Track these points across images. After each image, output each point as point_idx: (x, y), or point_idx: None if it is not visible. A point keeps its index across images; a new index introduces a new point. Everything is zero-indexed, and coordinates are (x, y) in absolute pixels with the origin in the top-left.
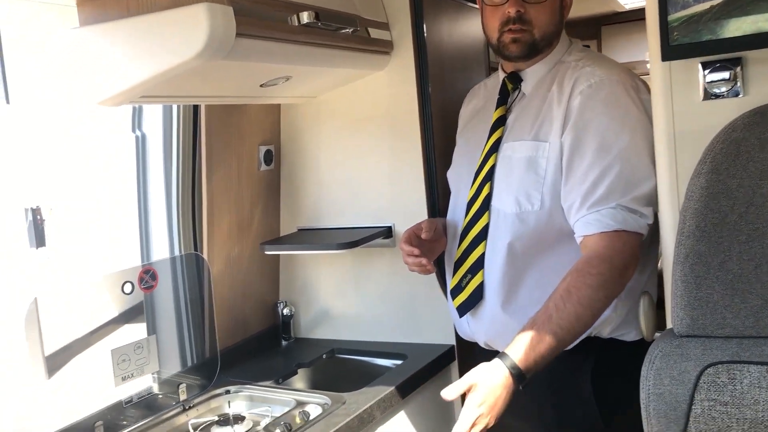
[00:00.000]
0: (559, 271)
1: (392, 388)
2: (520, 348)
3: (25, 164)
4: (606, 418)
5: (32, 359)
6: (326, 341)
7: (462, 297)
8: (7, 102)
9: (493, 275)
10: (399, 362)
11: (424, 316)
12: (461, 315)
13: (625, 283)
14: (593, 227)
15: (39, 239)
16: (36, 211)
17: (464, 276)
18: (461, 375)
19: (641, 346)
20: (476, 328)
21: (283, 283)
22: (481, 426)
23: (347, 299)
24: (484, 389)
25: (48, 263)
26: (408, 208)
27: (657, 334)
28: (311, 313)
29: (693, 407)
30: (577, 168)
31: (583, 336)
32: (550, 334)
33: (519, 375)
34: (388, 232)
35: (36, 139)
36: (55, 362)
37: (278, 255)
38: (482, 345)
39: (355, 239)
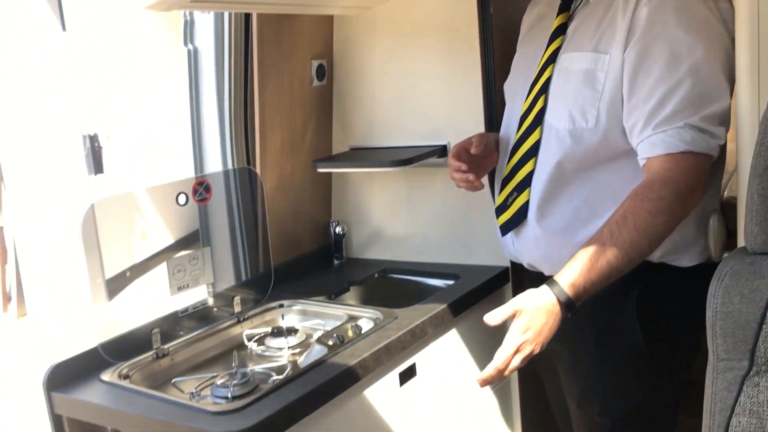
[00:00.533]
0: (608, 193)
1: (444, 305)
2: (570, 274)
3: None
4: (651, 344)
5: (89, 267)
6: (378, 261)
7: (506, 216)
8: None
9: (537, 194)
10: (451, 282)
11: (477, 237)
12: (504, 234)
13: (689, 209)
14: (658, 148)
15: (97, 166)
16: (93, 139)
17: (510, 194)
18: (514, 297)
19: (694, 273)
20: (520, 249)
21: (336, 203)
22: (525, 353)
23: (400, 219)
24: (529, 315)
25: (106, 189)
26: (464, 126)
27: (725, 255)
28: (363, 233)
29: (764, 326)
30: (642, 84)
31: None
32: (603, 261)
33: (568, 302)
34: (442, 151)
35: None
36: (112, 271)
37: (330, 174)
38: (526, 266)
39: (408, 157)
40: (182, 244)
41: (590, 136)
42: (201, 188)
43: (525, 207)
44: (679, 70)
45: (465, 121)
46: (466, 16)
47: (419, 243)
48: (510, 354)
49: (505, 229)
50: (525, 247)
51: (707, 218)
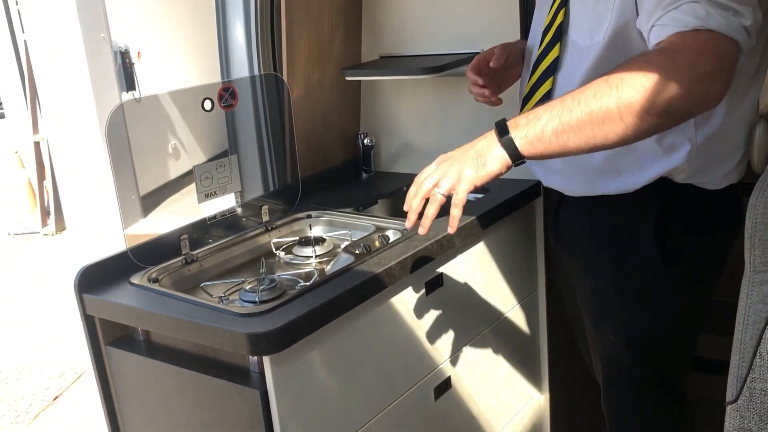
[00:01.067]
0: None
1: (473, 218)
2: (519, 115)
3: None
4: (668, 264)
5: (116, 169)
6: (407, 175)
7: (529, 106)
8: None
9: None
10: (480, 195)
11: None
12: None
13: (686, 102)
14: (668, 28)
15: (128, 83)
16: (125, 55)
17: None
18: (545, 212)
19: (720, 196)
20: (536, 168)
21: (364, 114)
22: (430, 177)
23: (430, 131)
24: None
25: (137, 106)
26: (499, 33)
27: None
28: (392, 146)
29: None
30: None
31: (654, 177)
32: (557, 102)
33: (502, 127)
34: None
35: None
36: (140, 175)
37: (359, 84)
38: (544, 184)
39: (439, 65)
40: (209, 151)
41: (609, 53)
42: (227, 94)
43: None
44: None
45: (499, 27)
46: None
47: None
48: (412, 190)
49: None
50: (540, 166)
51: (745, 130)
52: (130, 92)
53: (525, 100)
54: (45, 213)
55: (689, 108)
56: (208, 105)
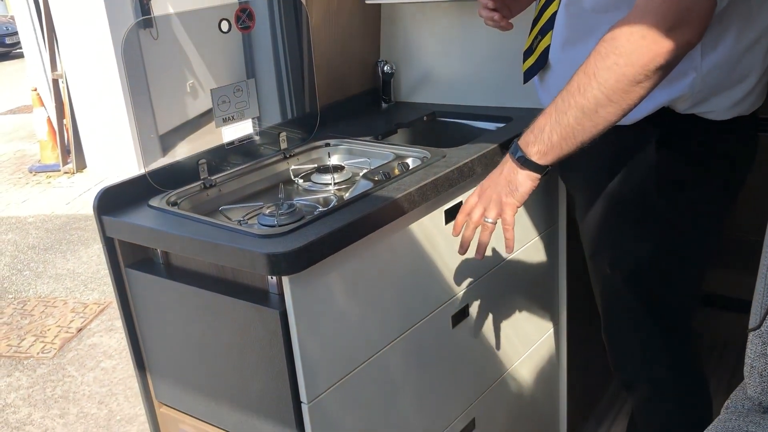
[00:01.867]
0: None
1: (495, 145)
2: (526, 131)
3: None
4: (666, 196)
5: (131, 90)
6: (427, 105)
7: (530, 60)
8: None
9: (559, 38)
10: (502, 125)
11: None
12: (525, 80)
13: (662, 59)
14: None
15: (145, 20)
16: None
17: (536, 37)
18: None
19: (724, 128)
20: (543, 96)
21: (384, 41)
22: (474, 212)
23: (451, 60)
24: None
25: (154, 43)
26: None
27: None
28: (413, 75)
29: None
30: None
31: (655, 108)
32: (551, 108)
33: (515, 149)
34: None
35: None
36: (154, 96)
37: (379, 10)
38: None
39: None
40: (225, 74)
41: None
42: (244, 15)
43: (546, 52)
44: None
45: None
46: None
47: (471, 85)
48: (460, 220)
49: (528, 74)
50: (546, 93)
51: (757, 56)
52: (147, 29)
53: (534, 23)
54: (65, 151)
55: (669, 61)
56: (225, 26)
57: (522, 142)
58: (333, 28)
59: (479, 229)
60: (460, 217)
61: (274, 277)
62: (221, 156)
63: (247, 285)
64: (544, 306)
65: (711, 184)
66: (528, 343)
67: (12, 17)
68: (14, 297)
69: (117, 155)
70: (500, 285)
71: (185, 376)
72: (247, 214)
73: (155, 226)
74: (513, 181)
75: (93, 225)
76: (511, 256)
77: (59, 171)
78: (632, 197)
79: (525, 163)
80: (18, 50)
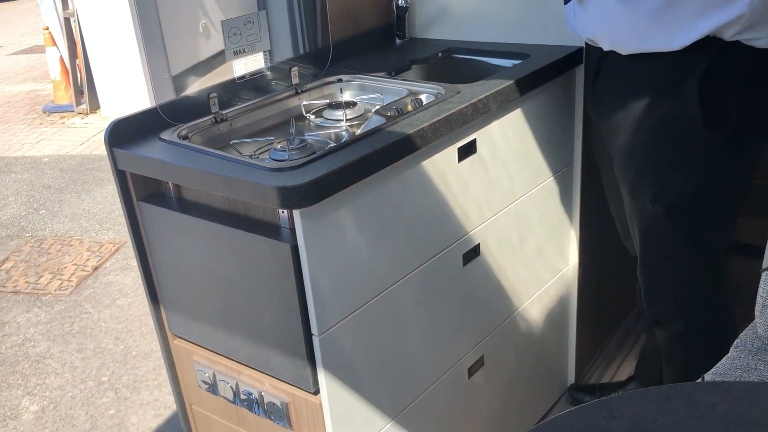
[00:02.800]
0: None
1: (511, 82)
2: None
3: None
4: (711, 129)
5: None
6: (443, 41)
7: None
8: None
9: None
10: (518, 62)
11: (552, 13)
12: (566, 1)
13: None
14: None
15: None
16: None
17: None
18: (586, 78)
19: None
20: (581, 20)
21: None
22: None
23: None
24: None
25: None
26: None
27: None
28: (428, 9)
29: None
30: None
31: (707, 32)
32: None
33: None
34: None
35: None
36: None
37: None
38: (585, 41)
39: None
40: (236, 5)
41: None
42: None
43: None
44: None
45: None
46: None
47: (488, 21)
48: None
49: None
50: (586, 17)
51: None
52: None
53: None
54: (78, 91)
55: None
56: None
57: None
58: None
59: None
60: None
61: (285, 211)
62: (232, 90)
63: (258, 219)
64: (556, 247)
65: (755, 118)
66: (538, 283)
67: None
68: (31, 235)
69: (130, 96)
70: (512, 225)
71: (198, 309)
72: (258, 149)
73: (166, 158)
74: None
75: (107, 165)
76: (524, 196)
77: (73, 111)
78: (675, 129)
79: None
80: None
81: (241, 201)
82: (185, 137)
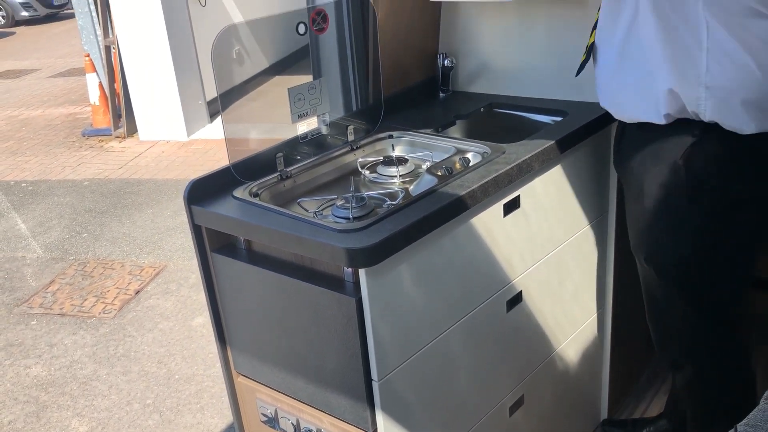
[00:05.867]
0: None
1: (552, 142)
2: None
3: None
4: (695, 202)
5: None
6: (484, 95)
7: (583, 56)
8: None
9: (600, 33)
10: (558, 119)
11: (588, 73)
12: (577, 73)
13: None
14: None
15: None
16: None
17: (591, 33)
18: (622, 139)
19: (752, 142)
20: (598, 92)
21: (444, 34)
22: None
23: (509, 52)
24: None
25: (202, 11)
26: None
27: None
28: (470, 66)
29: None
30: None
31: (676, 113)
32: None
33: None
34: None
35: None
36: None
37: (440, 4)
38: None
39: None
40: (301, 72)
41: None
42: (319, 18)
43: (591, 47)
44: None
45: None
46: None
47: (528, 77)
48: None
49: (579, 68)
50: (599, 88)
51: None
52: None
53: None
54: (116, 115)
55: None
56: (302, 29)
57: None
58: (397, 22)
59: None
60: None
61: (351, 268)
62: (295, 148)
63: (323, 272)
64: (591, 291)
65: (738, 193)
66: (575, 325)
67: None
68: (75, 258)
69: (167, 120)
70: (552, 272)
71: (263, 351)
72: (321, 206)
73: (240, 216)
74: None
75: (146, 189)
76: (563, 244)
77: (111, 135)
78: (663, 197)
79: None
80: (65, 12)
81: (309, 256)
82: (256, 194)
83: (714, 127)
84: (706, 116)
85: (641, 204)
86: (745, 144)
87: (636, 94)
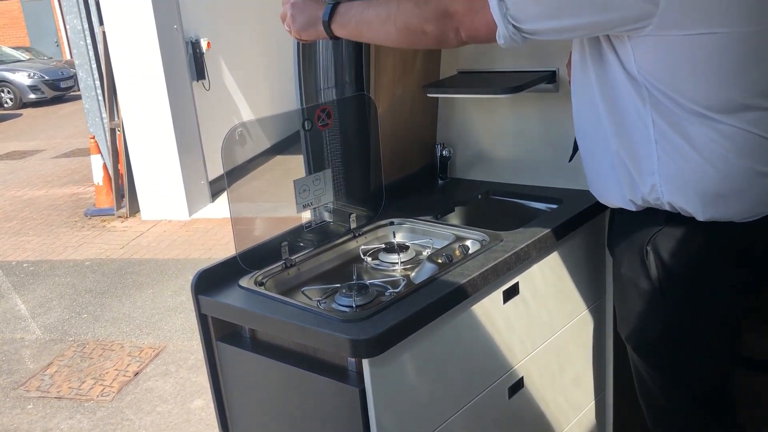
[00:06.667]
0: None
1: (548, 230)
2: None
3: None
4: (664, 281)
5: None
6: (481, 183)
7: (574, 144)
8: None
9: (575, 124)
10: (554, 206)
11: (581, 161)
12: (569, 160)
13: (422, 25)
14: None
15: (198, 71)
16: (195, 45)
17: None
18: (611, 222)
19: (717, 230)
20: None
21: (441, 125)
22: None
23: (504, 142)
24: None
25: (206, 94)
26: None
27: None
28: (467, 154)
29: None
30: None
31: (641, 201)
32: (369, 4)
33: (327, 15)
34: (551, 77)
35: None
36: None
37: (437, 98)
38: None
39: (518, 84)
40: (306, 164)
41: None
42: (323, 114)
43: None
44: None
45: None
46: None
47: (523, 165)
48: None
49: (571, 156)
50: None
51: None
52: (200, 81)
53: None
54: (119, 195)
55: (426, 31)
56: (308, 125)
57: (339, 9)
58: (397, 114)
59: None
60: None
61: (354, 358)
62: (300, 236)
63: (326, 361)
64: (592, 374)
65: (706, 282)
66: (577, 410)
67: (66, 62)
68: (74, 340)
69: (169, 200)
70: (553, 357)
71: None
72: (325, 295)
73: (246, 306)
74: (311, 23)
75: (147, 269)
76: (562, 329)
77: (113, 215)
78: (635, 282)
79: (325, 25)
80: (72, 94)
81: (312, 346)
82: (261, 283)
83: (678, 215)
84: (665, 205)
85: (619, 286)
86: (709, 231)
87: (609, 181)
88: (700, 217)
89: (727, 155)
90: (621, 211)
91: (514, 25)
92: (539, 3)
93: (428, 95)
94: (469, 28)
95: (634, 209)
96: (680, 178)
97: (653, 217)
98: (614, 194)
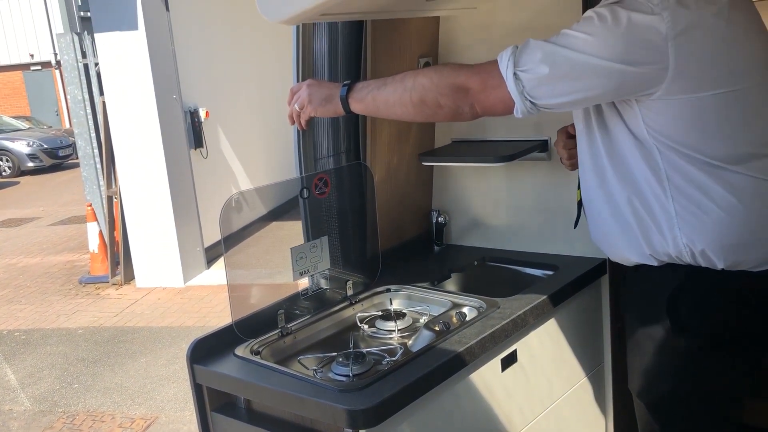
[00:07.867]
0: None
1: (545, 296)
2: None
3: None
4: (678, 336)
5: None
6: (477, 249)
7: (577, 212)
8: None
9: (583, 192)
10: (550, 272)
11: (575, 228)
12: (574, 227)
13: (438, 98)
14: None
15: (197, 140)
16: (194, 114)
17: (577, 190)
18: (611, 288)
19: (728, 277)
20: (593, 236)
21: (437, 192)
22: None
23: (499, 209)
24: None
25: (203, 162)
26: (568, 120)
27: None
28: (463, 221)
29: None
30: None
31: (664, 255)
32: (381, 82)
33: (344, 91)
34: (543, 146)
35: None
36: (240, 238)
37: (432, 166)
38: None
39: (511, 153)
40: (302, 232)
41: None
42: (321, 183)
43: (580, 202)
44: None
45: (566, 115)
46: (569, 15)
47: (518, 232)
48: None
49: (575, 222)
50: (591, 234)
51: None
52: (197, 149)
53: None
54: (114, 263)
55: (442, 105)
56: (305, 193)
57: (356, 85)
58: (393, 182)
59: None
60: (289, 95)
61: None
62: (296, 304)
63: None
64: None
65: (721, 337)
66: None
67: (65, 131)
68: (63, 411)
69: (164, 267)
70: (552, 426)
71: None
72: (321, 363)
73: (241, 376)
74: (329, 99)
75: (140, 338)
76: (561, 398)
77: (108, 282)
78: (652, 337)
79: (343, 100)
80: (70, 162)
81: (309, 417)
82: (257, 352)
83: (699, 271)
84: (686, 256)
85: (633, 341)
86: (728, 282)
87: (625, 240)
88: (719, 265)
89: (739, 203)
90: (637, 268)
91: (531, 101)
92: (553, 82)
93: (423, 164)
94: (485, 104)
95: (656, 264)
96: (699, 229)
97: (672, 272)
98: (633, 252)
